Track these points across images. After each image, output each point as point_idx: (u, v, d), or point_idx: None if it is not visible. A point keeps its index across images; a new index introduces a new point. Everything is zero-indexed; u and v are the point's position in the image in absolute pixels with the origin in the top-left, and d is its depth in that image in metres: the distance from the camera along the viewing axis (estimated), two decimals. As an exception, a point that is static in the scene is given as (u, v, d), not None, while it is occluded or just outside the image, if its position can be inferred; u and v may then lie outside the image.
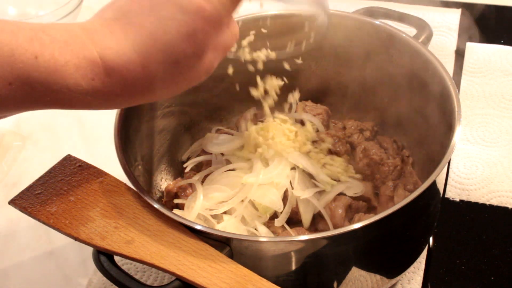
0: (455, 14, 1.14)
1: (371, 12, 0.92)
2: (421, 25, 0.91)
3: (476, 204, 0.85)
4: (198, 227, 0.61)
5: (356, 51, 0.84)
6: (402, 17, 0.94)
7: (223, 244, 0.61)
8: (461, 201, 0.85)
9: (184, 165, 0.85)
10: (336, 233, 0.59)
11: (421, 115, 0.79)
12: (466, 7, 1.15)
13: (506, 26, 1.13)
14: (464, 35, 1.10)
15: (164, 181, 0.84)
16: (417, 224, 0.69)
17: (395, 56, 0.81)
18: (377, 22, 0.82)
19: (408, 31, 0.85)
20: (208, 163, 0.84)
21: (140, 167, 0.77)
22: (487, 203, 0.85)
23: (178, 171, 0.87)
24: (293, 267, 0.63)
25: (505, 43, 1.08)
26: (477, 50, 1.06)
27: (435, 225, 0.79)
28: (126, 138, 0.73)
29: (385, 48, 0.81)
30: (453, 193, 0.86)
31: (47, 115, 1.06)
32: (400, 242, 0.69)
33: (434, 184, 0.64)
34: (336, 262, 0.65)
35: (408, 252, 0.72)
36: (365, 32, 0.83)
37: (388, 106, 0.85)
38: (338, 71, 0.88)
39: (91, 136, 1.01)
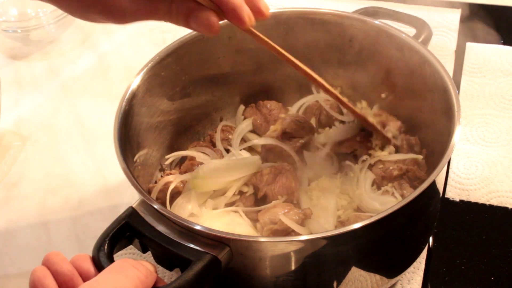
0: (455, 14, 1.14)
1: (371, 12, 0.92)
2: (421, 25, 0.91)
3: (476, 204, 0.85)
4: (197, 227, 0.61)
5: (355, 51, 0.84)
6: (402, 17, 0.94)
7: (223, 244, 0.60)
8: (461, 201, 0.85)
9: (166, 157, 0.84)
10: (335, 233, 0.59)
11: (421, 115, 0.79)
12: (466, 7, 1.15)
13: (506, 26, 1.12)
14: (464, 35, 1.09)
15: (164, 181, 0.84)
16: (417, 224, 0.69)
17: (394, 56, 0.81)
18: (377, 22, 0.82)
19: (408, 31, 0.85)
20: (192, 159, 0.83)
21: (140, 167, 0.77)
22: (487, 203, 0.85)
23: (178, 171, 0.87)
24: (293, 267, 0.63)
25: (505, 43, 1.08)
26: (477, 50, 1.06)
27: (435, 225, 0.79)
28: (126, 138, 0.73)
29: (385, 48, 0.81)
30: (453, 193, 0.86)
31: (47, 115, 1.06)
32: (400, 242, 0.69)
33: (433, 184, 0.64)
34: (335, 262, 0.65)
35: (408, 252, 0.72)
36: (365, 32, 0.82)
37: (388, 106, 0.85)
38: (337, 71, 0.88)
39: (91, 136, 1.01)
